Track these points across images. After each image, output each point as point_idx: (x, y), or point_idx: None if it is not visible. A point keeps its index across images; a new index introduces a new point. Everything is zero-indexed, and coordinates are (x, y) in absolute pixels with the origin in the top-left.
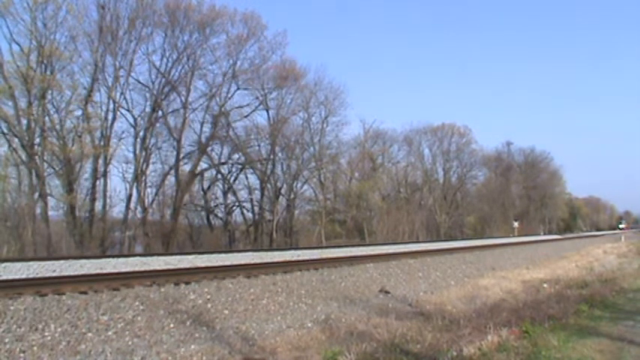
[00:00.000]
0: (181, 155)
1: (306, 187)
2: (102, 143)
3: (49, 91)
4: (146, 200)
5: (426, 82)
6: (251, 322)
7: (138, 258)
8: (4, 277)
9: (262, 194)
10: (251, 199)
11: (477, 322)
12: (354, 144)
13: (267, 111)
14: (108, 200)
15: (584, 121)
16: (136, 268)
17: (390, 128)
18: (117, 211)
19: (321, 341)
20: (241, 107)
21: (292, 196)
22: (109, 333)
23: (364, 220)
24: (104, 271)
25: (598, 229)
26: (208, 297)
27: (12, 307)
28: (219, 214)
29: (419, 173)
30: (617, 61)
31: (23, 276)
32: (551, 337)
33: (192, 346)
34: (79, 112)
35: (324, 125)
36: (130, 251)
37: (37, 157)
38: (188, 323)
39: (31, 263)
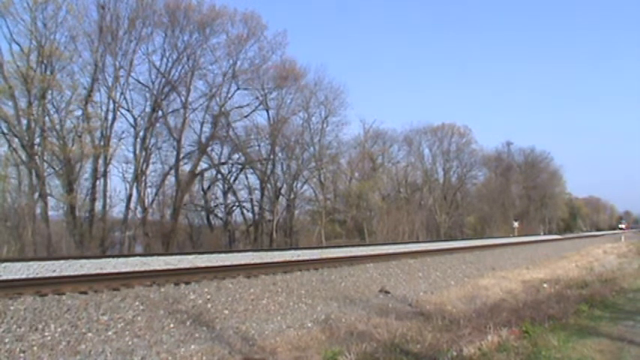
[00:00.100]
0: (181, 155)
1: (306, 187)
2: (102, 143)
3: (49, 91)
4: (146, 200)
5: (426, 82)
6: (251, 322)
7: (138, 258)
8: (4, 277)
9: (262, 194)
10: (251, 199)
11: (477, 322)
12: (354, 144)
13: (267, 111)
14: (108, 200)
15: (584, 121)
16: (136, 268)
17: (390, 128)
18: (117, 211)
19: (321, 341)
20: (241, 107)
21: (292, 196)
22: (109, 333)
23: (364, 220)
24: (104, 271)
25: (598, 229)
26: (208, 297)
27: (12, 307)
28: (219, 214)
29: (419, 173)
30: (617, 61)
31: (23, 276)
32: (551, 337)
33: (192, 346)
34: (79, 112)
35: (324, 125)
36: (130, 251)
37: (37, 157)
38: (188, 323)
39: (31, 263)
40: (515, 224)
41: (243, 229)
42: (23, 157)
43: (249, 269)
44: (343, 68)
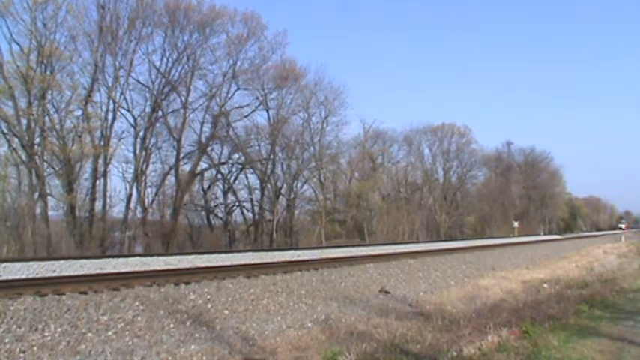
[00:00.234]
0: (181, 155)
1: (306, 187)
2: (102, 143)
3: (49, 91)
4: (146, 200)
5: (426, 82)
6: (251, 322)
7: (138, 258)
8: (4, 277)
9: (262, 194)
10: (251, 199)
11: (477, 322)
12: (354, 144)
13: (267, 111)
14: (108, 200)
15: (584, 121)
16: (136, 268)
17: (390, 128)
18: (117, 211)
19: (321, 341)
20: (241, 107)
21: (292, 196)
22: (109, 333)
23: (364, 220)
24: (104, 271)
25: (598, 229)
26: (208, 297)
27: (12, 307)
28: (219, 214)
29: (419, 173)
30: (617, 61)
31: (23, 276)
32: (551, 337)
33: (192, 346)
34: (79, 112)
35: (324, 125)
36: (130, 251)
37: (37, 157)
38: (188, 323)
39: (31, 263)
40: (515, 224)
41: (243, 229)
42: (23, 157)
43: (249, 269)
44: (343, 68)
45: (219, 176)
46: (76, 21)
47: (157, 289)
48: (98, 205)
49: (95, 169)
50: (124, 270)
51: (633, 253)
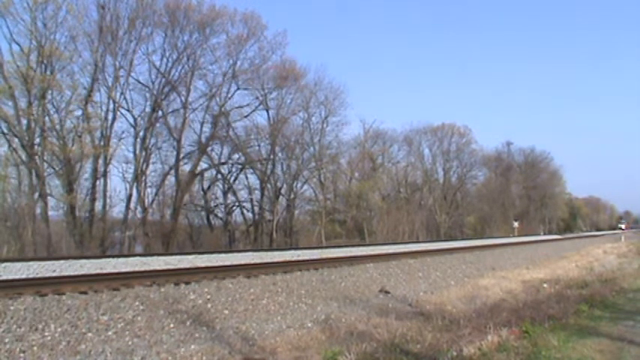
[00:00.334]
0: (181, 155)
1: (306, 187)
2: (102, 143)
3: (49, 91)
4: (146, 200)
5: (426, 82)
6: (251, 322)
7: (138, 258)
8: (4, 277)
9: (262, 194)
10: (251, 199)
11: (477, 322)
12: (354, 144)
13: (267, 111)
14: (108, 200)
15: (584, 121)
16: (136, 268)
17: (390, 128)
18: (117, 211)
19: (321, 341)
20: (241, 107)
21: (292, 196)
22: (109, 333)
23: (364, 220)
24: (104, 271)
25: (598, 229)
26: (208, 297)
27: (12, 307)
28: (219, 214)
29: (419, 173)
30: (617, 61)
31: (23, 276)
32: (551, 337)
33: (192, 346)
34: (79, 112)
35: (324, 125)
36: (130, 251)
37: (37, 157)
38: (188, 323)
39: (31, 263)
40: (515, 224)
41: (243, 229)
42: (23, 157)
43: (249, 269)
44: (343, 68)
45: (219, 176)
46: (76, 21)
47: (157, 289)
48: (98, 205)
49: (95, 169)
50: (124, 270)
51: (633, 253)
